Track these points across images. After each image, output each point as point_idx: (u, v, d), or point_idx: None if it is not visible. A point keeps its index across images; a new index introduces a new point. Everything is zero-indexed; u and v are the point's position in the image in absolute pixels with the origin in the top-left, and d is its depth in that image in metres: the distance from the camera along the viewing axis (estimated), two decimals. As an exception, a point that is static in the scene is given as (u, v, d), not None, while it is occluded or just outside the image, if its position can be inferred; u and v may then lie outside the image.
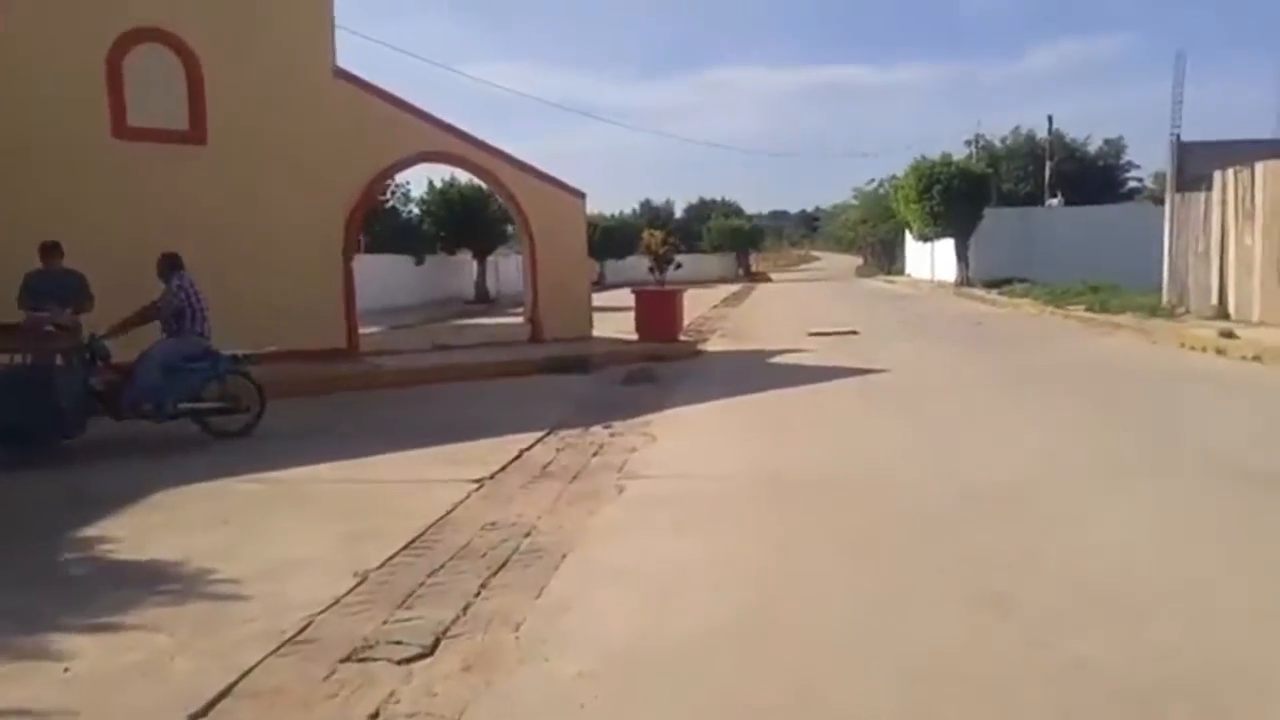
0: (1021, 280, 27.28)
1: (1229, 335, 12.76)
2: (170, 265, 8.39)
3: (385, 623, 3.94)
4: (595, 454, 7.27)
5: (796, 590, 4.22)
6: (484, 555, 4.83)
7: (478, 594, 4.28)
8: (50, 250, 8.57)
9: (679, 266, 17.67)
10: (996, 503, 5.54)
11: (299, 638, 3.77)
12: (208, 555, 4.81)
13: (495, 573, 4.56)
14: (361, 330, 17.72)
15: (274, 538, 5.18)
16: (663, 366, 12.66)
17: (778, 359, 13.53)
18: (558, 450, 7.43)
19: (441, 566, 4.67)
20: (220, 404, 8.32)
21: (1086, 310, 18.95)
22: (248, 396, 8.46)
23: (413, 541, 5.06)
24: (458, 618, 4.00)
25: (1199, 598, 4.02)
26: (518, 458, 7.15)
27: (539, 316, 15.11)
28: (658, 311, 15.31)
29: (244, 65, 11.71)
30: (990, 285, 28.78)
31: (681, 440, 7.79)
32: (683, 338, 15.80)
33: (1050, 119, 42.85)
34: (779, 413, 9.10)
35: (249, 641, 3.72)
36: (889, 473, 6.41)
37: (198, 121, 11.50)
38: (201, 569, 4.60)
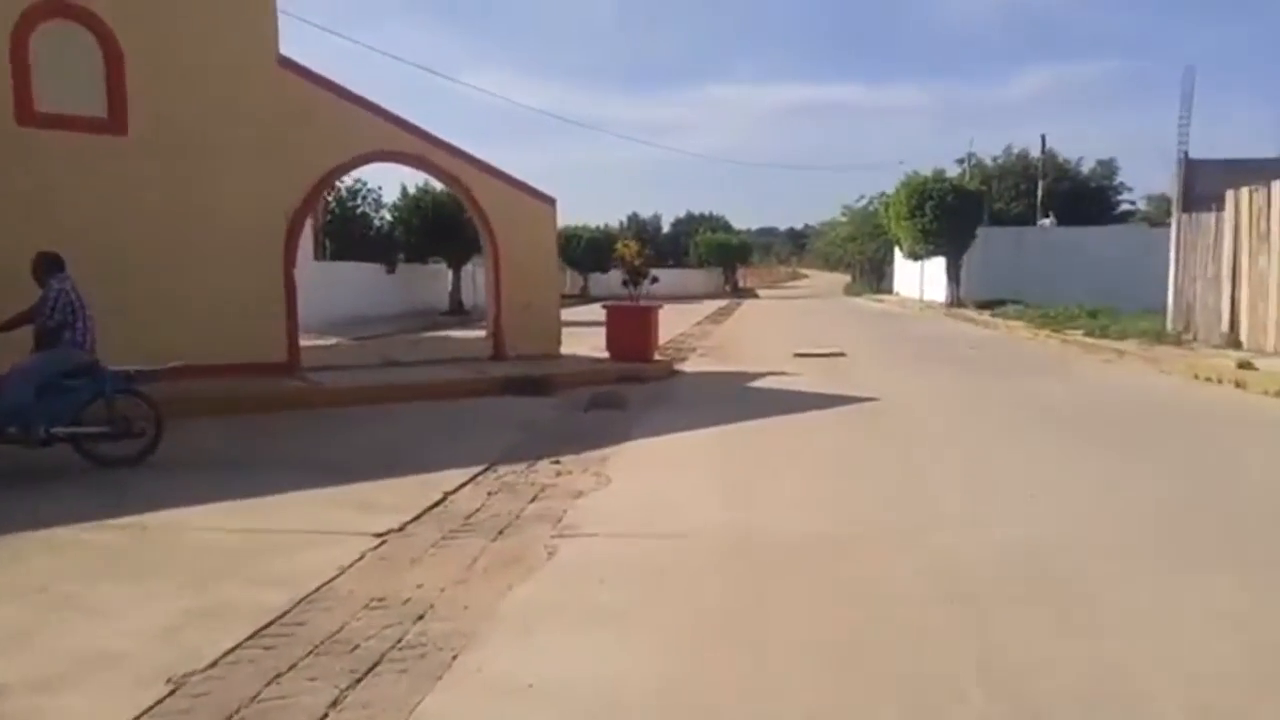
0: (1014, 302, 26.40)
1: (1247, 366, 11.75)
2: (49, 266, 7.20)
3: (175, 770, 2.81)
4: (534, 499, 6.13)
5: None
6: (354, 650, 3.69)
7: (324, 716, 3.15)
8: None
9: (655, 280, 16.48)
10: (1017, 585, 4.43)
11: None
12: (-15, 646, 3.64)
13: (359, 680, 3.42)
14: (320, 341, 16.65)
15: (90, 617, 4.01)
16: (634, 389, 11.55)
17: (759, 382, 12.43)
18: (490, 494, 6.28)
19: (291, 667, 3.53)
20: (106, 428, 7.16)
21: (1086, 335, 17.97)
22: (142, 419, 7.30)
23: (268, 625, 3.92)
24: (283, 760, 2.87)
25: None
26: (440, 502, 6.00)
27: (501, 331, 13.95)
28: (630, 329, 14.18)
29: (171, 47, 10.52)
30: (982, 306, 27.91)
31: (639, 482, 6.65)
32: (659, 357, 14.70)
33: (1044, 138, 42.44)
34: (757, 449, 7.97)
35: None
36: (885, 536, 5.28)
37: (117, 109, 10.30)
38: (-39, 670, 3.44)
